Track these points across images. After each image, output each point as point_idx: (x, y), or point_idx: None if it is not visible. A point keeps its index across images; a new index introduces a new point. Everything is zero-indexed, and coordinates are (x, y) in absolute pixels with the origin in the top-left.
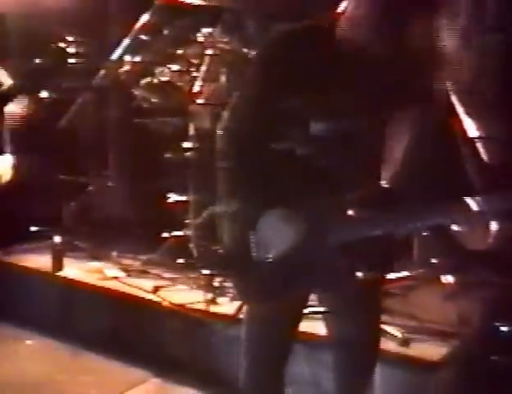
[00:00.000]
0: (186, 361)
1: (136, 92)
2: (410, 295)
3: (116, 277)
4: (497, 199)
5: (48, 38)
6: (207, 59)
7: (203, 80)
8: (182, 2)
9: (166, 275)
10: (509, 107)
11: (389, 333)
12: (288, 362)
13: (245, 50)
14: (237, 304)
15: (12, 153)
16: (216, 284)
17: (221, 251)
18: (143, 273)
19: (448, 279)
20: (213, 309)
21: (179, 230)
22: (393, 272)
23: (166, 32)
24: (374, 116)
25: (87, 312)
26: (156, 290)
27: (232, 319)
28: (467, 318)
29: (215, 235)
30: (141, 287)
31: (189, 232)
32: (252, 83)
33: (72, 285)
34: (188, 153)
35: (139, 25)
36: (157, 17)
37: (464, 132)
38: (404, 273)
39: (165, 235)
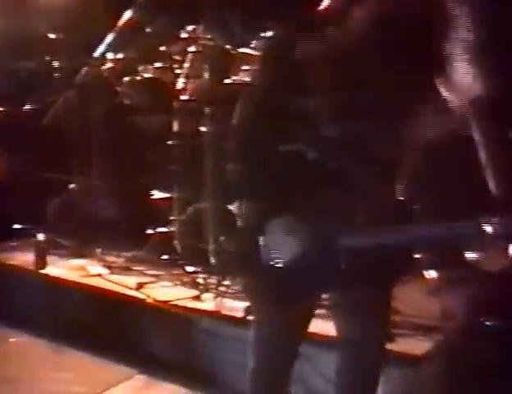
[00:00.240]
0: (171, 358)
1: (119, 89)
2: (394, 290)
3: (99, 275)
4: None
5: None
6: (190, 56)
7: (187, 76)
8: None
9: (150, 272)
10: None
11: None
12: (296, 362)
13: (228, 47)
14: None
15: None
16: (200, 280)
17: (231, 252)
18: (126, 270)
19: (431, 274)
20: (197, 305)
21: (163, 227)
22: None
23: (148, 29)
24: (389, 116)
25: (71, 309)
26: (140, 286)
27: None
28: (450, 312)
29: (199, 231)
30: (125, 284)
31: (173, 229)
32: (258, 82)
33: (56, 282)
34: (172, 150)
35: (121, 22)
36: (140, 14)
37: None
38: None
39: (149, 232)
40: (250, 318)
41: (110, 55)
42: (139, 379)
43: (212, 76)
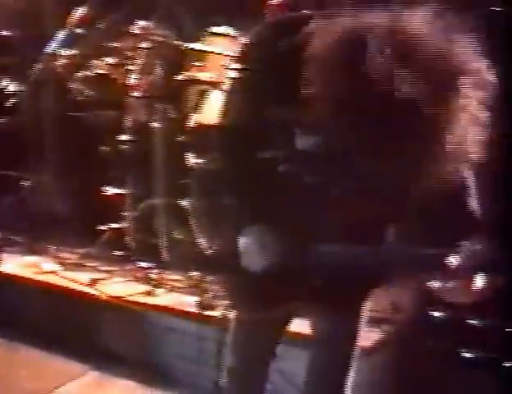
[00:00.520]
0: (124, 353)
1: (72, 85)
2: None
3: (53, 271)
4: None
5: None
6: (142, 52)
7: (139, 72)
8: None
9: (103, 268)
10: None
11: None
12: (273, 361)
13: (180, 42)
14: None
15: None
16: (153, 276)
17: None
18: (80, 266)
19: None
20: (151, 300)
21: (116, 222)
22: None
23: (100, 25)
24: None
25: (24, 306)
26: (93, 283)
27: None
28: (400, 304)
29: (152, 227)
30: (78, 280)
31: (126, 225)
32: (236, 83)
33: (9, 279)
34: (124, 146)
35: (74, 18)
36: (92, 10)
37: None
38: None
39: (102, 228)
40: (204, 313)
41: (62, 51)
42: (92, 375)
43: (163, 72)
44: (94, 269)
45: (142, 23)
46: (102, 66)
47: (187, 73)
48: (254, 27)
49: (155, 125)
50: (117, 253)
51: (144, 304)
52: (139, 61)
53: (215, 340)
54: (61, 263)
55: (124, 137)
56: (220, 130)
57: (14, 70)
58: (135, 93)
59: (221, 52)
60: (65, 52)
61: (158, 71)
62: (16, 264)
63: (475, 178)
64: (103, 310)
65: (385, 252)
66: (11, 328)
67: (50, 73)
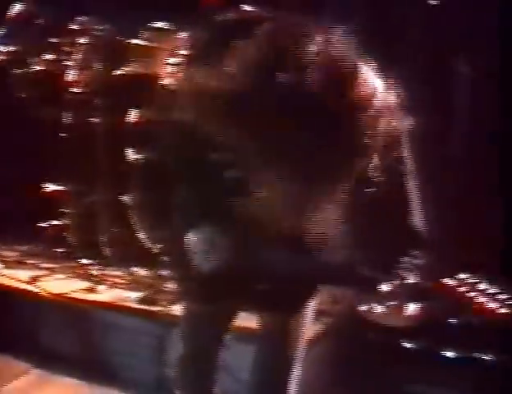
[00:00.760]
0: (66, 351)
1: (11, 81)
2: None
3: None
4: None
5: None
6: (80, 47)
7: (78, 68)
8: None
9: (44, 265)
10: None
11: None
12: (221, 353)
13: (119, 38)
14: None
15: None
16: (94, 272)
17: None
18: (20, 264)
19: None
20: (92, 297)
21: (56, 219)
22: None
23: (39, 21)
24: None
25: None
26: (33, 280)
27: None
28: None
29: (92, 224)
30: (19, 278)
31: (66, 222)
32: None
33: None
34: (64, 142)
35: (11, 14)
36: (30, 6)
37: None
38: None
39: (42, 225)
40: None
41: (1, 48)
42: (35, 373)
43: (102, 68)
44: (35, 267)
45: (81, 18)
46: (40, 62)
47: (126, 68)
48: (200, 23)
49: (95, 120)
50: (58, 250)
51: (86, 300)
52: (77, 57)
53: (157, 335)
54: (2, 261)
55: (63, 133)
56: (163, 128)
57: None
58: (74, 89)
59: (160, 46)
60: (3, 48)
61: (97, 66)
62: None
63: (418, 192)
64: (45, 308)
65: (324, 263)
66: None
67: None
